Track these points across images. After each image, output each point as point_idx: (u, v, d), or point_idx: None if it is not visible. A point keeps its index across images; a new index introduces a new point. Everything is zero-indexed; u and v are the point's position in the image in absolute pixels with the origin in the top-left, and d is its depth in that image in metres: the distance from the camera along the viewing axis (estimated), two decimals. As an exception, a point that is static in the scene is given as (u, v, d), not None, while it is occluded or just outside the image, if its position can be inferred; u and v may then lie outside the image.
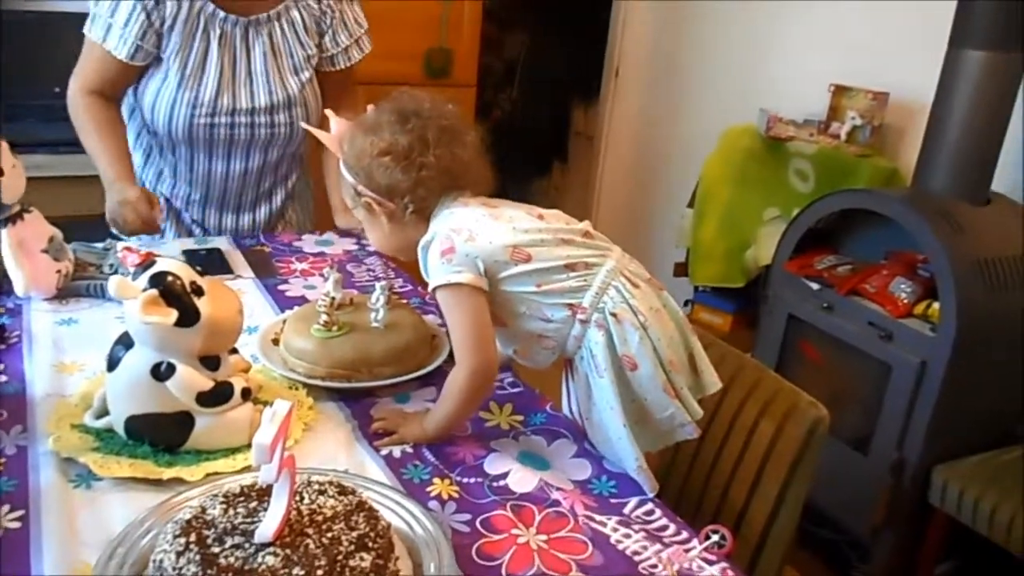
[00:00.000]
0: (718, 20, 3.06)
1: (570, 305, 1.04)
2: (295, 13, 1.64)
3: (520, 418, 1.14)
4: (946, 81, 1.84)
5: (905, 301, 1.83)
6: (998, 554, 1.70)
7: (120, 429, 0.98)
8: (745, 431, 1.12)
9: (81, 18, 1.63)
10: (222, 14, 1.58)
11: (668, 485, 1.14)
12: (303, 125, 1.43)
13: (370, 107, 1.15)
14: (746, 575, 1.09)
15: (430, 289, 1.07)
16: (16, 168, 1.32)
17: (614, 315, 1.02)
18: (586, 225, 1.12)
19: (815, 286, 2.00)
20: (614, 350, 1.02)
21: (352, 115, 1.36)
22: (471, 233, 1.03)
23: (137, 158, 1.73)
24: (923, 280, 1.84)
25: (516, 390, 1.21)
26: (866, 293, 1.91)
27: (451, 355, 1.23)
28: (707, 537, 0.86)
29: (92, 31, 1.57)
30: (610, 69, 3.46)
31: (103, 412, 1.01)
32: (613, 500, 0.97)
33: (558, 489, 0.98)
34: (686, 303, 2.94)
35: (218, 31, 1.59)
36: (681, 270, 2.95)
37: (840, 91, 2.43)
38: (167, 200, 1.74)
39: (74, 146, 2.17)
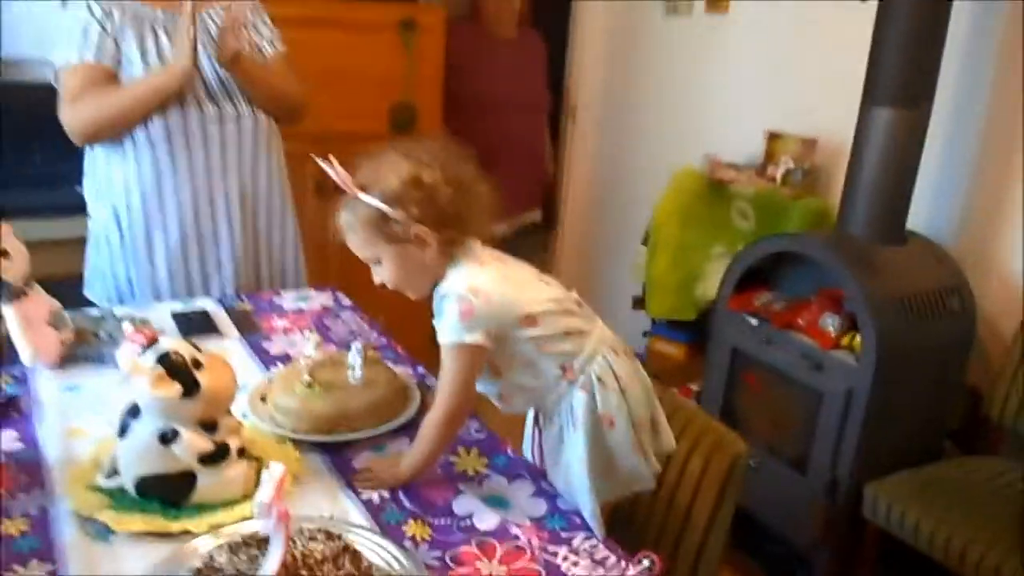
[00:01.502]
0: (665, 68, 3.27)
1: (562, 367, 1.20)
2: (222, 10, 1.83)
3: (485, 460, 1.29)
4: (860, 135, 2.04)
5: (832, 334, 2.02)
6: (930, 565, 1.87)
7: (131, 488, 1.12)
8: (679, 465, 1.29)
9: (47, 89, 1.80)
10: (160, 13, 1.81)
11: (613, 515, 1.30)
12: (319, 161, 1.24)
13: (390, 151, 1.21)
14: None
15: (440, 341, 1.17)
16: (21, 251, 1.46)
17: (599, 379, 1.19)
18: (575, 294, 1.27)
19: (754, 321, 2.19)
20: (595, 409, 1.18)
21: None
22: (488, 296, 1.15)
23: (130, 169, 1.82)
24: (848, 314, 2.03)
25: (481, 435, 1.36)
26: (798, 327, 2.10)
27: (422, 405, 1.40)
28: (639, 562, 1.02)
29: (61, 60, 1.76)
30: (567, 113, 3.66)
31: (114, 471, 1.14)
32: (564, 534, 1.13)
33: (517, 525, 1.13)
34: (644, 334, 3.13)
35: (161, 28, 1.80)
36: (639, 303, 3.13)
37: (774, 137, 2.64)
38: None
39: (49, 213, 2.31)
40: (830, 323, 2.03)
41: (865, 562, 2.04)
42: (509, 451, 1.32)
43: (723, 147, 2.85)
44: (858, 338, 1.96)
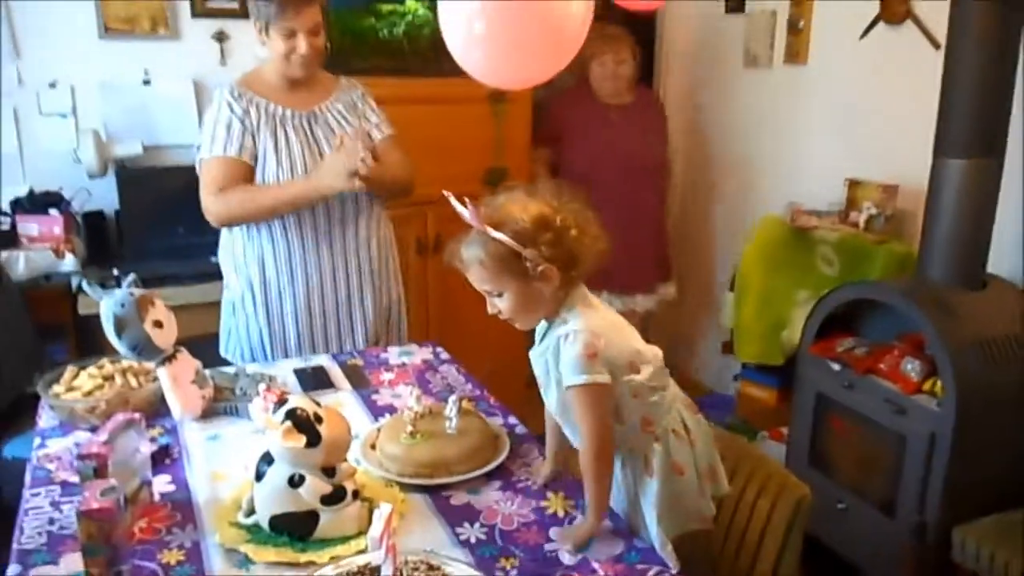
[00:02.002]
0: (745, 119, 3.38)
1: (644, 418, 1.31)
2: (338, 104, 2.12)
3: (572, 502, 1.42)
4: (934, 185, 2.10)
5: (914, 379, 2.06)
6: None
7: (265, 524, 1.31)
8: (748, 507, 1.39)
9: (185, 170, 2.07)
10: (290, 111, 2.05)
11: (690, 555, 1.41)
12: (445, 192, 1.33)
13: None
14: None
15: (568, 384, 1.24)
16: (170, 319, 1.72)
17: (674, 431, 1.32)
18: (656, 348, 1.38)
19: (836, 367, 2.25)
20: (669, 457, 1.31)
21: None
22: (608, 340, 1.26)
23: (250, 248, 2.08)
24: (928, 359, 2.06)
25: (568, 479, 1.50)
26: (880, 372, 2.15)
27: (511, 451, 1.55)
28: (703, 594, 1.14)
29: (203, 152, 2.02)
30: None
31: (251, 511, 1.34)
32: (640, 566, 1.25)
33: (596, 560, 1.27)
34: (735, 378, 3.20)
35: (291, 125, 2.05)
36: (728, 347, 3.21)
37: (854, 185, 2.70)
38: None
39: (189, 280, 2.61)
40: (911, 368, 2.07)
41: (957, 606, 2.04)
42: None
43: (805, 195, 2.93)
44: (939, 383, 2.00)
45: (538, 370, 1.37)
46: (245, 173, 2.02)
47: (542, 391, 1.39)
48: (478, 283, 1.31)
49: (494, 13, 1.24)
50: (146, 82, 3.02)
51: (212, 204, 2.01)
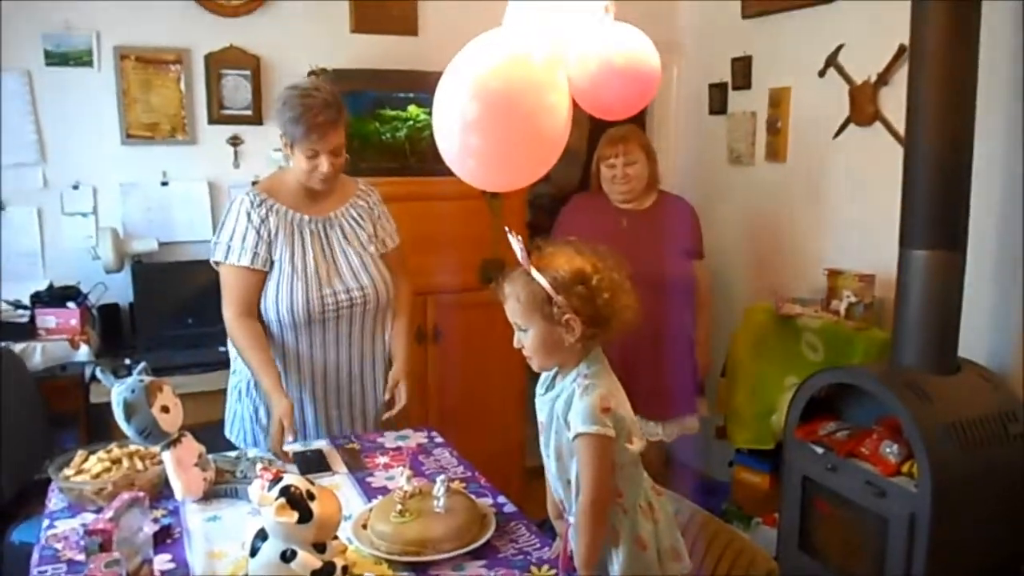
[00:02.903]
0: (730, 213, 3.53)
1: (617, 489, 1.38)
2: (353, 210, 2.22)
3: (553, 572, 1.49)
4: (902, 275, 2.21)
5: (893, 461, 2.13)
6: None
7: (259, 599, 1.38)
8: (720, 582, 1.46)
9: (198, 264, 2.18)
10: (307, 217, 2.14)
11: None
12: (509, 235, 1.42)
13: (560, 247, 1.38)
14: None
15: (578, 432, 1.31)
16: (177, 405, 1.82)
17: (640, 507, 1.39)
18: None
19: (820, 450, 2.32)
20: (634, 531, 1.38)
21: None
22: (620, 401, 1.36)
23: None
24: (906, 441, 2.13)
25: (550, 554, 1.56)
26: (861, 455, 2.22)
27: (497, 529, 1.62)
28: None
29: (219, 257, 2.10)
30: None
31: (246, 587, 1.42)
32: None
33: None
34: (729, 464, 3.24)
35: (308, 230, 2.14)
36: (722, 433, 3.27)
37: (834, 274, 2.82)
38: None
39: (197, 369, 2.72)
40: (889, 451, 2.14)
41: None
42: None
43: (790, 284, 3.05)
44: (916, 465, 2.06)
45: (542, 415, 1.44)
46: (259, 282, 2.11)
47: (541, 435, 1.46)
48: (511, 315, 1.42)
49: (485, 126, 1.37)
50: (164, 183, 3.21)
51: (231, 324, 2.11)
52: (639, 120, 3.85)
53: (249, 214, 2.09)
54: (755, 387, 3.00)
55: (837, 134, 2.95)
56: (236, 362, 2.27)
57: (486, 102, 1.26)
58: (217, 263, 2.13)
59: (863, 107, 2.84)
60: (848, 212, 2.95)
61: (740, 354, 3.06)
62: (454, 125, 1.29)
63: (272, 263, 2.11)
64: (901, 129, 2.65)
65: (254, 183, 2.54)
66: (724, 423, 3.19)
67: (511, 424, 3.36)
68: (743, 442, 3.05)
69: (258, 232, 2.09)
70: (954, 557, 2.04)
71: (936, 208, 2.15)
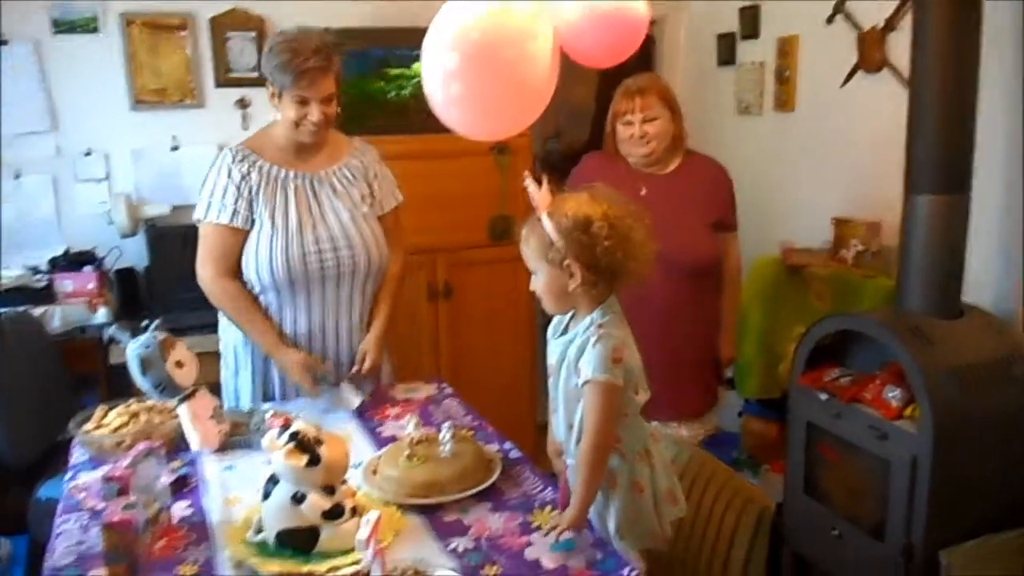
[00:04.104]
0: (738, 164, 3.50)
1: (617, 438, 1.42)
2: (346, 170, 2.14)
3: (555, 512, 1.52)
4: (907, 220, 2.21)
5: (895, 405, 2.15)
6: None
7: (271, 540, 1.44)
8: (717, 520, 1.49)
9: None
10: (292, 173, 2.07)
11: (662, 564, 1.51)
12: (526, 178, 1.44)
13: (581, 193, 1.39)
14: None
15: (588, 379, 1.34)
16: (192, 359, 1.87)
17: (638, 453, 1.43)
18: None
19: (824, 396, 2.34)
20: (631, 476, 1.42)
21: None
22: (632, 352, 1.39)
23: None
24: (909, 386, 2.15)
25: (554, 496, 1.61)
26: (864, 400, 2.24)
27: (503, 473, 1.67)
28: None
29: (200, 214, 2.05)
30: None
31: (259, 530, 1.47)
32: (612, 575, 1.36)
33: (573, 569, 1.37)
34: (739, 414, 3.28)
35: (292, 187, 2.06)
36: (731, 384, 3.29)
37: (841, 223, 2.82)
38: None
39: (212, 330, 2.76)
40: (892, 395, 2.16)
41: (950, 627, 2.09)
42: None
43: (797, 235, 3.05)
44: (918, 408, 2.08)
45: (553, 358, 1.47)
46: (239, 240, 2.05)
47: (550, 378, 1.49)
48: (525, 259, 1.45)
49: (466, 75, 1.39)
50: (174, 148, 3.25)
51: (209, 284, 2.07)
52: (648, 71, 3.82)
53: (230, 170, 2.03)
54: (763, 337, 3.03)
55: (845, 82, 2.92)
56: (224, 329, 2.20)
57: (465, 52, 1.28)
58: (198, 221, 2.08)
59: (871, 54, 2.81)
60: (856, 160, 2.93)
61: (748, 305, 3.07)
62: (437, 75, 1.31)
63: (253, 222, 2.04)
64: (908, 75, 2.63)
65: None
66: (733, 374, 3.21)
67: (522, 380, 3.41)
68: (752, 392, 3.08)
69: (238, 188, 2.02)
70: (956, 498, 2.07)
71: (941, 152, 2.14)
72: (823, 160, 3.08)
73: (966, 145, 2.13)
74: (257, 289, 2.09)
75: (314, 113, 1.99)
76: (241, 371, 2.17)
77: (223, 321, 2.20)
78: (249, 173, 2.04)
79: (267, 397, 2.17)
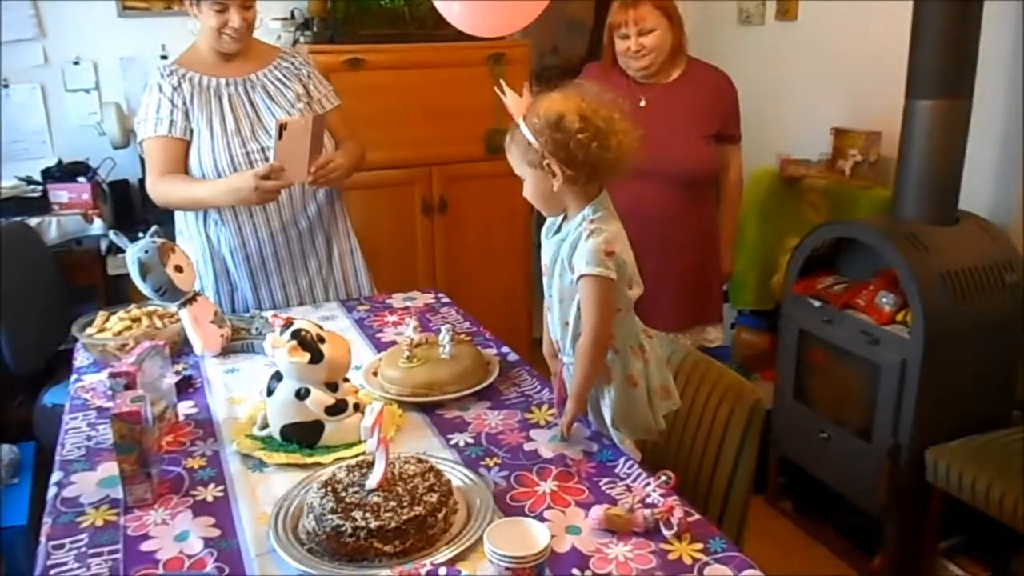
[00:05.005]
0: (738, 74, 3.46)
1: (610, 333, 1.43)
2: (276, 71, 2.13)
3: (552, 412, 1.57)
4: (906, 127, 2.20)
5: (888, 310, 2.18)
6: (999, 527, 1.97)
7: (276, 434, 1.47)
8: (711, 414, 1.53)
9: None
10: (224, 80, 2.08)
11: (656, 457, 1.56)
12: (497, 89, 1.42)
13: (562, 91, 1.37)
14: (719, 515, 1.50)
15: (582, 273, 1.35)
16: (190, 264, 1.88)
17: (631, 347, 1.45)
18: None
19: (817, 303, 2.37)
20: (625, 369, 1.45)
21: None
22: (624, 247, 1.40)
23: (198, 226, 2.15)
24: (902, 292, 2.18)
25: (551, 397, 1.65)
26: (857, 306, 2.27)
27: (501, 374, 1.70)
28: (659, 477, 1.28)
29: (139, 132, 2.07)
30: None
31: (264, 425, 1.51)
32: (608, 463, 1.40)
33: (571, 458, 1.41)
34: (732, 326, 3.32)
35: (225, 94, 2.07)
36: (724, 297, 3.33)
37: (840, 133, 2.80)
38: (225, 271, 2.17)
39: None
40: (885, 301, 2.19)
41: (932, 523, 2.17)
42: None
43: (795, 146, 3.03)
44: (910, 313, 2.12)
45: (547, 257, 1.48)
46: (180, 150, 2.05)
47: (544, 277, 1.50)
48: (512, 166, 1.45)
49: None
50: (163, 56, 3.18)
51: (152, 189, 2.07)
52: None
53: (160, 85, 2.04)
54: (758, 249, 3.04)
55: (848, -12, 2.86)
56: (185, 244, 2.15)
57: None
58: (140, 142, 2.08)
59: (876, -42, 2.74)
60: (858, 70, 2.89)
61: (744, 218, 3.07)
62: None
63: (192, 131, 2.05)
64: (914, -21, 2.58)
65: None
66: (727, 287, 3.24)
67: (517, 294, 3.43)
68: (745, 303, 3.12)
69: (172, 101, 2.03)
70: (943, 400, 2.12)
71: (943, 56, 2.11)
72: (824, 71, 3.04)
73: (970, 50, 2.11)
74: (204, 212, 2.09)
75: (234, 19, 1.99)
76: (207, 289, 2.18)
77: (180, 238, 2.21)
78: (180, 85, 2.05)
79: (234, 309, 2.19)
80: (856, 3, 2.86)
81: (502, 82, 1.43)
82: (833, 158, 2.83)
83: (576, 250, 1.39)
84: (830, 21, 3.00)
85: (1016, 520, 1.89)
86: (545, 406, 1.60)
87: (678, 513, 1.19)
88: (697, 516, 1.23)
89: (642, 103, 2.33)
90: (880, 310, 2.20)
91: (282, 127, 1.88)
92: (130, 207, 3.11)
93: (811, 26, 3.10)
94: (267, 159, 2.02)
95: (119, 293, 2.88)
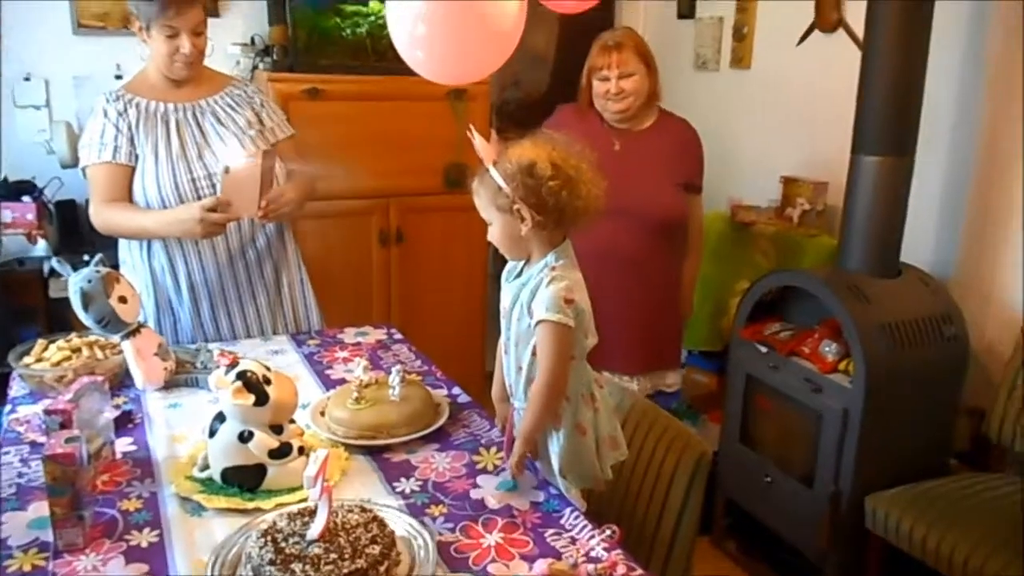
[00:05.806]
0: (693, 119, 3.54)
1: None
2: (228, 98, 2.11)
3: (501, 455, 1.57)
4: (851, 181, 2.27)
5: (831, 359, 2.23)
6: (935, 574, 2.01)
7: (217, 477, 1.44)
8: (657, 464, 1.54)
9: None
10: (172, 106, 2.05)
11: (603, 505, 1.56)
12: (469, 133, 1.45)
13: (532, 138, 1.41)
14: (665, 558, 1.51)
15: (540, 319, 1.36)
16: (135, 295, 1.84)
17: (583, 396, 1.46)
18: None
19: (763, 349, 2.42)
20: (575, 417, 1.45)
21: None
22: (583, 296, 1.41)
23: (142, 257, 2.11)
24: (845, 341, 2.23)
25: (500, 439, 1.64)
26: (802, 354, 2.32)
27: (450, 417, 1.70)
28: (603, 531, 1.28)
29: (83, 158, 2.02)
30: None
31: (205, 466, 1.47)
32: (554, 514, 1.40)
33: (516, 509, 1.41)
34: (682, 365, 3.35)
35: (173, 119, 2.04)
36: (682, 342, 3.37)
37: (789, 181, 2.88)
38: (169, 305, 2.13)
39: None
40: (828, 350, 2.24)
41: (870, 570, 2.21)
42: (520, 453, 1.59)
43: (746, 191, 3.10)
44: (852, 363, 2.17)
45: (506, 300, 1.49)
46: (125, 177, 2.02)
47: (502, 320, 1.51)
48: (479, 210, 1.47)
49: (433, 15, 1.37)
50: (118, 76, 3.13)
51: (96, 216, 2.04)
52: (607, 23, 3.80)
53: (105, 111, 2.01)
54: (708, 291, 3.08)
55: (801, 40, 2.95)
56: (130, 275, 2.07)
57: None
58: (83, 169, 2.04)
59: (828, 13, 2.83)
60: (808, 120, 2.98)
61: (697, 259, 3.13)
62: (404, 15, 1.29)
63: (137, 157, 2.01)
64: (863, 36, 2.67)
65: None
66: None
67: (472, 329, 3.43)
68: (694, 343, 3.16)
69: (116, 127, 2.00)
70: (883, 450, 2.17)
71: (888, 115, 2.19)
72: (775, 119, 3.13)
73: (913, 109, 2.19)
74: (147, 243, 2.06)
75: (185, 45, 1.97)
76: (149, 319, 2.13)
77: (127, 267, 2.17)
78: (126, 110, 2.02)
79: (177, 341, 2.14)
80: (807, 54, 2.95)
81: (471, 127, 1.45)
82: (782, 205, 2.90)
83: (536, 295, 1.41)
84: (782, 71, 3.09)
85: (952, 569, 1.93)
86: (494, 448, 1.60)
87: (621, 569, 1.19)
88: (640, 572, 1.24)
89: (616, 147, 2.40)
90: (824, 359, 2.25)
91: (227, 169, 1.87)
92: (76, 228, 3.03)
93: (763, 75, 3.19)
94: (213, 186, 2.00)
95: (61, 316, 2.80)
